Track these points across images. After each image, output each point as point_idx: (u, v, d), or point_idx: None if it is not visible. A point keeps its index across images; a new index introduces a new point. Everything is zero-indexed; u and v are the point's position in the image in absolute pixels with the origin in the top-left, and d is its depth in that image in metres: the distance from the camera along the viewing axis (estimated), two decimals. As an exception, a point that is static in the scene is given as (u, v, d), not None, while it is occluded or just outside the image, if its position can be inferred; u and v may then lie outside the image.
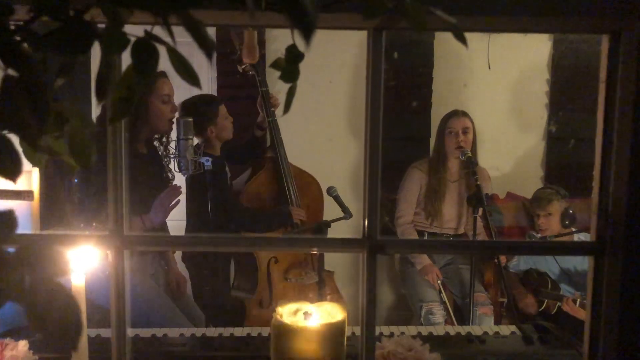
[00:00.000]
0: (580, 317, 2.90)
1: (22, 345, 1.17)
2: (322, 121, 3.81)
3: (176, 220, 2.98)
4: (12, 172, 0.41)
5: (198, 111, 2.88)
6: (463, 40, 0.64)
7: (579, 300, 2.97)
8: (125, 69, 0.57)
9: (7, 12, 0.42)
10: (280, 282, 2.89)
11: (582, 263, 3.09)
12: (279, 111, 3.02)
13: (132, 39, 0.53)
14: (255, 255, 2.89)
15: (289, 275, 2.86)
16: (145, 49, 0.53)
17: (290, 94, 0.73)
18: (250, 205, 2.93)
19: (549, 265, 3.19)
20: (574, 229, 3.14)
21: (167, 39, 0.55)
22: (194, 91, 3.92)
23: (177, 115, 2.51)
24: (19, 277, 0.42)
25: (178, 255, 2.93)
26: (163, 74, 2.44)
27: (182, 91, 2.57)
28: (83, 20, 0.47)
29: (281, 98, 3.26)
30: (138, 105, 2.22)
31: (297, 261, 2.95)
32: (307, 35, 0.46)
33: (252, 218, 2.83)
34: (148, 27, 0.55)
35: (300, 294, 2.81)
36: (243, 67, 2.95)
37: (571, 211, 3.16)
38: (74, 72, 0.57)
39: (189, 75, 0.55)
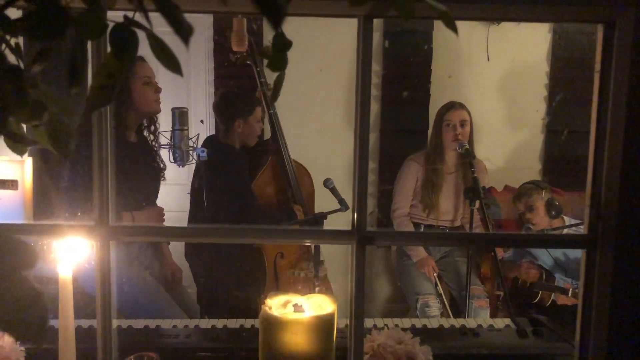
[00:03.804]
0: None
1: (9, 336, 1.16)
2: (317, 112, 3.78)
3: (181, 212, 2.98)
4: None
5: (234, 101, 2.87)
6: (453, 28, 0.63)
7: (570, 289, 2.97)
8: (104, 56, 0.56)
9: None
10: (286, 277, 2.88)
11: (573, 251, 3.08)
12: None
13: (111, 25, 0.52)
14: (262, 253, 2.88)
15: (295, 269, 2.86)
16: (124, 34, 0.52)
17: (278, 83, 0.72)
18: (259, 200, 2.91)
19: (542, 257, 3.19)
20: (574, 221, 3.13)
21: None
22: (190, 80, 3.91)
23: (161, 97, 2.45)
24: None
25: (181, 252, 2.92)
26: (141, 59, 2.39)
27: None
28: (57, 4, 0.46)
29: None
30: (120, 92, 2.18)
31: (301, 255, 2.94)
32: (276, 22, 0.45)
33: (263, 217, 2.79)
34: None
35: (305, 287, 2.80)
36: (237, 57, 2.89)
37: (556, 202, 3.15)
38: (56, 58, 0.56)
39: (169, 61, 0.54)
